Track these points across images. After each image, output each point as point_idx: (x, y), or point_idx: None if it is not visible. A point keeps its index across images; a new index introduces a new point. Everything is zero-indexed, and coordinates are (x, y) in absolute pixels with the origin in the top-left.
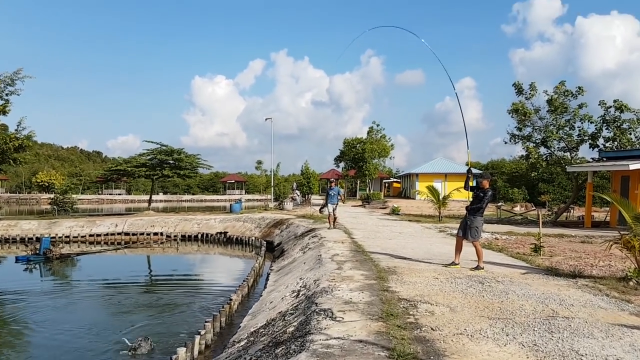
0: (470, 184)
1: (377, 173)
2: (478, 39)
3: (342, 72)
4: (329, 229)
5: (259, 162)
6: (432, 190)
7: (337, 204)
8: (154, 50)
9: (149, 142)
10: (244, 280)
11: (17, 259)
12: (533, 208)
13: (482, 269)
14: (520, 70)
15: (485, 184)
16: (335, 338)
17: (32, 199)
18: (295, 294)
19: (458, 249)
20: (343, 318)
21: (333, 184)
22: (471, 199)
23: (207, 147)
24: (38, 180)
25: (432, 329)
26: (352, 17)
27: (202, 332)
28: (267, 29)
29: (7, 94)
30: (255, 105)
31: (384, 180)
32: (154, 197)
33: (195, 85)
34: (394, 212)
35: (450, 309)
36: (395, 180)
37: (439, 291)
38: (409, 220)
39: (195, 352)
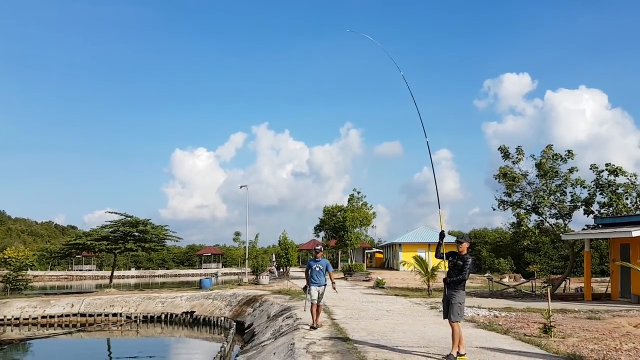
0: (443, 250)
1: (359, 243)
2: (452, 113)
3: (322, 144)
4: (311, 328)
5: (237, 234)
6: (420, 261)
7: (325, 285)
8: (133, 124)
9: (112, 212)
10: None
11: None
12: (523, 280)
13: (456, 358)
14: (494, 142)
15: (464, 248)
16: None
17: None
18: None
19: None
20: None
21: (319, 255)
22: (448, 269)
23: (186, 220)
24: (5, 257)
25: None
26: (331, 92)
27: None
28: (248, 104)
29: None
30: (235, 177)
31: (366, 251)
32: (125, 272)
33: (175, 158)
34: (379, 285)
35: None
36: (377, 250)
37: None
38: (396, 295)
39: None
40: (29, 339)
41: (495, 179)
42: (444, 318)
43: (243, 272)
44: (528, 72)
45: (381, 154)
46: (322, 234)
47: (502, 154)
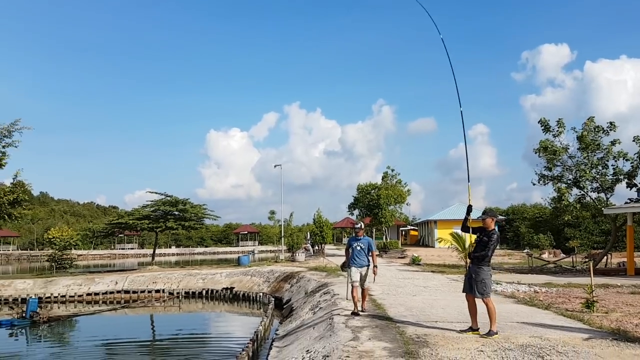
0: (470, 224)
1: (393, 220)
2: (489, 87)
3: (354, 121)
4: (353, 313)
5: (272, 212)
6: (457, 238)
7: (369, 267)
8: (170, 106)
9: (152, 192)
10: (242, 350)
11: (1, 324)
12: (563, 255)
13: (496, 334)
14: (532, 115)
15: (490, 223)
16: None
17: (44, 255)
18: None
19: (472, 311)
20: None
21: (360, 233)
22: (474, 244)
23: (222, 199)
24: (50, 237)
25: None
26: (363, 68)
27: None
28: (280, 83)
29: (3, 146)
30: (269, 157)
31: (401, 228)
32: (166, 250)
33: (210, 139)
34: (415, 262)
35: None
36: (412, 227)
37: None
38: (432, 272)
39: None
40: (75, 315)
41: (535, 153)
42: (463, 291)
43: (279, 250)
44: (567, 42)
45: (415, 131)
46: (356, 212)
47: (542, 127)
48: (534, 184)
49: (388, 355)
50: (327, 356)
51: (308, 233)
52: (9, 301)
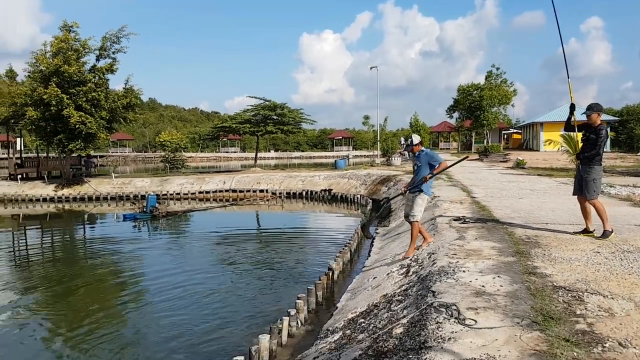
0: (574, 123)
1: (496, 123)
2: None
3: (454, 18)
4: (417, 248)
5: (366, 118)
6: (569, 139)
7: (418, 194)
8: (262, 9)
9: (252, 97)
10: (345, 245)
11: (125, 217)
12: None
13: (612, 232)
14: None
15: (595, 118)
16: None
17: (157, 157)
18: (405, 270)
19: (585, 213)
20: (476, 321)
21: (416, 148)
22: (581, 144)
23: (316, 104)
24: (161, 140)
25: (620, 344)
26: None
27: (293, 312)
28: None
29: (114, 52)
30: (362, 60)
31: (503, 132)
32: (266, 154)
33: (303, 43)
34: (519, 165)
35: (635, 304)
36: (515, 131)
37: (607, 273)
38: (539, 175)
39: (284, 338)
40: (189, 211)
41: None
42: (573, 194)
43: (374, 155)
44: None
45: (521, 26)
46: (455, 114)
47: None
48: None
49: (498, 254)
50: (433, 253)
51: (402, 138)
52: (130, 197)
